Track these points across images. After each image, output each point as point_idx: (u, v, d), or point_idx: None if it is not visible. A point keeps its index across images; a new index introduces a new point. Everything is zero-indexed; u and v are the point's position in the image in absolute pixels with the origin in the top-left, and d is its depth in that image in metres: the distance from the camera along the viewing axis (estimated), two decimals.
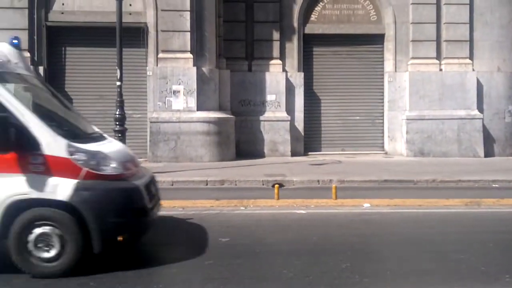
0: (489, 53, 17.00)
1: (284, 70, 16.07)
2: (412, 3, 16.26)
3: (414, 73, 16.28)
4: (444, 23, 16.44)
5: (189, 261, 5.44)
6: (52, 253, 4.78)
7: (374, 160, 15.13)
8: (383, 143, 16.72)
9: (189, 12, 14.29)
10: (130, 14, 14.17)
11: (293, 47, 16.21)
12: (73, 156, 4.85)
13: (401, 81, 16.43)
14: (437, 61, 16.47)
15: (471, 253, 5.76)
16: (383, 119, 16.75)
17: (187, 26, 14.34)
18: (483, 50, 16.95)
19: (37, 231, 4.75)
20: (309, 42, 16.53)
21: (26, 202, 4.75)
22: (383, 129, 16.75)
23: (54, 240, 4.77)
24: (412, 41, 16.35)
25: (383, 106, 16.74)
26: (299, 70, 16.29)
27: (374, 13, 16.62)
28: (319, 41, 16.57)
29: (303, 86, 16.17)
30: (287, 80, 16.13)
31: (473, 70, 16.71)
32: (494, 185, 11.46)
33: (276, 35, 16.04)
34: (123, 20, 11.90)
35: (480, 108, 16.58)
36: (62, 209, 4.77)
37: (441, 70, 16.52)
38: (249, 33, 16.12)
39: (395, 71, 16.47)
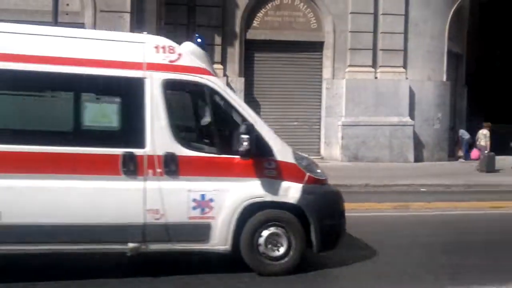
0: (421, 62, 17.91)
1: (225, 75, 16.20)
2: (351, 12, 16.90)
3: (351, 80, 16.92)
4: (381, 33, 17.19)
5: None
6: (280, 252, 5.16)
7: None
8: (319, 148, 17.22)
9: (129, 14, 14.11)
10: (67, 14, 13.77)
11: (234, 52, 16.41)
12: (298, 162, 5.28)
13: (339, 88, 17.01)
14: (372, 69, 17.20)
15: (399, 255, 6.18)
16: (320, 125, 17.26)
17: (127, 27, 14.15)
18: (416, 59, 17.83)
19: (268, 231, 5.13)
20: (251, 48, 16.80)
21: (260, 205, 5.10)
22: (319, 135, 17.27)
23: (283, 240, 5.15)
24: (350, 49, 16.99)
25: (320, 112, 17.24)
26: (240, 75, 16.50)
27: (315, 21, 17.12)
28: (260, 47, 16.87)
29: (243, 91, 16.36)
30: (228, 85, 16.24)
31: (406, 78, 17.55)
32: (422, 189, 12.19)
33: (218, 40, 16.17)
34: (59, 20, 11.59)
35: (412, 115, 17.45)
36: (291, 211, 5.16)
37: (376, 78, 17.27)
38: (190, 37, 16.08)
39: (333, 78, 17.05)
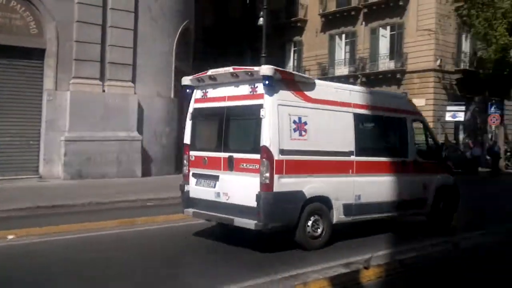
0: (151, 78, 18.49)
1: None
2: (77, 21, 16.29)
3: (76, 92, 16.26)
4: (109, 45, 17.05)
5: None
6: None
7: (27, 186, 14.17)
8: (38, 166, 15.92)
9: None
10: None
11: None
12: None
13: (62, 100, 16.11)
14: (100, 82, 16.90)
15: (121, 272, 6.19)
16: (39, 140, 15.96)
17: None
18: (146, 75, 18.32)
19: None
20: None
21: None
22: (38, 151, 15.97)
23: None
24: (76, 59, 16.34)
25: (40, 126, 15.98)
26: None
27: (35, 26, 15.87)
28: None
29: None
30: None
31: (135, 93, 17.85)
32: (149, 204, 12.47)
33: None
34: None
35: (140, 130, 17.85)
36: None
37: (104, 91, 17.03)
38: None
39: (56, 89, 16.07)
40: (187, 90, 8.30)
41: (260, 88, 7.05)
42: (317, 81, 7.89)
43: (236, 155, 7.34)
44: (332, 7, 32.79)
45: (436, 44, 28.38)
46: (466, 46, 30.56)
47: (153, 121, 18.45)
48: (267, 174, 6.84)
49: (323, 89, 7.83)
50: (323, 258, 6.99)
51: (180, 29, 19.88)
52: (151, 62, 18.46)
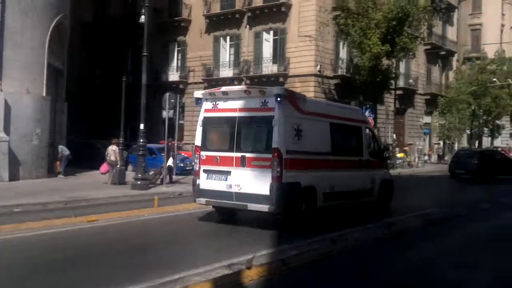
0: (19, 74, 17.07)
1: None
2: None
3: None
4: None
5: None
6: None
7: None
8: None
9: None
10: None
11: None
12: None
13: None
14: None
15: None
16: None
17: None
18: (14, 70, 16.90)
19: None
20: None
21: None
22: None
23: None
24: None
25: None
26: None
27: None
28: None
29: None
30: None
31: (1, 90, 16.34)
32: (17, 210, 11.43)
33: None
34: None
35: (7, 131, 16.38)
36: None
37: None
38: None
39: None
40: (198, 102, 10.17)
41: (270, 103, 9.11)
42: (307, 98, 10.30)
43: (248, 155, 9.27)
44: (216, 8, 32.91)
45: (316, 50, 29.84)
46: (343, 53, 32.56)
47: (22, 120, 17.06)
48: (278, 169, 8.86)
49: (311, 104, 10.44)
50: (207, 259, 6.85)
51: (54, 23, 18.62)
52: (20, 57, 17.15)
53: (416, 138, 39.69)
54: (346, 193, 10.89)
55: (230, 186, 9.41)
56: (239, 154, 9.34)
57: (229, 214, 10.40)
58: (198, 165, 9.97)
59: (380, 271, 7.00)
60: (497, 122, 45.66)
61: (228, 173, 9.48)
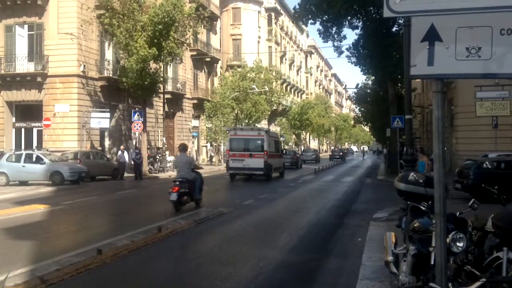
0: None
1: None
2: None
3: None
4: None
5: None
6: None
7: None
8: None
9: None
10: None
11: None
12: None
13: None
14: None
15: None
16: None
17: None
18: None
19: None
20: None
21: None
22: None
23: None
24: None
25: None
26: None
27: None
28: None
29: None
30: None
31: None
32: None
33: None
34: None
35: None
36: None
37: None
38: None
39: None
40: (228, 130, 29.49)
41: (262, 133, 26.76)
42: (269, 131, 31.26)
43: (253, 153, 25.71)
44: None
45: (79, 50, 28.58)
46: (109, 54, 31.93)
47: None
48: (266, 158, 25.51)
49: (271, 133, 30.51)
50: None
51: None
52: None
53: (185, 141, 41.41)
54: (276, 168, 28.24)
55: (244, 165, 25.57)
56: (249, 153, 25.69)
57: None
58: (228, 157, 26.41)
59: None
60: (257, 125, 50.91)
61: (243, 160, 25.56)
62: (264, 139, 25.80)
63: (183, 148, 14.56)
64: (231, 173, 26.06)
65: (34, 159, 22.84)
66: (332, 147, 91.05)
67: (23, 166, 22.48)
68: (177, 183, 13.48)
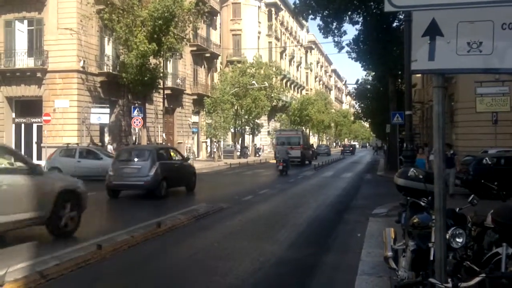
0: None
1: None
2: None
3: None
4: None
5: None
6: None
7: None
8: None
9: None
10: None
11: None
12: None
13: None
14: None
15: None
16: None
17: None
18: None
19: None
20: None
21: None
22: None
23: None
24: None
25: None
26: None
27: None
28: None
29: None
30: None
31: None
32: None
33: None
34: None
35: None
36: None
37: None
38: None
39: None
40: (275, 131, 48.82)
41: (298, 132, 42.17)
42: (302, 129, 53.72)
43: (292, 146, 36.87)
44: None
45: (79, 45, 28.51)
46: (109, 49, 31.87)
47: None
48: (301, 149, 38.77)
49: (304, 132, 50.20)
50: None
51: None
52: None
53: (185, 136, 41.41)
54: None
55: (288, 154, 29.51)
56: (290, 146, 35.32)
57: None
58: (275, 148, 40.91)
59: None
60: (257, 121, 50.86)
61: (278, 150, 32.61)
62: (300, 136, 40.12)
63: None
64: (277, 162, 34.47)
65: (90, 154, 22.48)
66: (343, 143, 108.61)
67: (78, 162, 22.05)
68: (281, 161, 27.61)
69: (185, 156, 21.70)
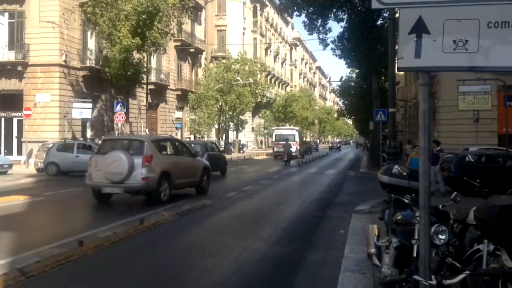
0: None
1: None
2: None
3: None
4: None
5: None
6: None
7: None
8: None
9: None
10: None
11: None
12: None
13: None
14: None
15: None
16: None
17: None
18: None
19: None
20: None
21: None
22: None
23: None
24: None
25: None
26: None
27: None
28: None
29: None
30: None
31: None
32: None
33: None
34: None
35: None
36: None
37: None
38: None
39: None
40: (273, 129, 50.91)
41: (294, 131, 47.70)
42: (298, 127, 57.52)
43: (290, 142, 38.87)
44: None
45: (61, 39, 28.13)
46: (92, 43, 31.49)
47: None
48: (296, 145, 43.53)
49: (299, 129, 54.44)
50: None
51: None
52: None
53: (169, 132, 41.18)
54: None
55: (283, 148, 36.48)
56: (285, 141, 37.76)
57: None
58: (274, 144, 44.88)
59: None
60: (241, 117, 50.80)
61: (283, 145, 37.14)
62: (295, 134, 45.41)
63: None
64: (275, 155, 41.96)
65: (88, 149, 22.04)
66: (326, 139, 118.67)
67: (77, 157, 21.73)
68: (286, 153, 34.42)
69: None
